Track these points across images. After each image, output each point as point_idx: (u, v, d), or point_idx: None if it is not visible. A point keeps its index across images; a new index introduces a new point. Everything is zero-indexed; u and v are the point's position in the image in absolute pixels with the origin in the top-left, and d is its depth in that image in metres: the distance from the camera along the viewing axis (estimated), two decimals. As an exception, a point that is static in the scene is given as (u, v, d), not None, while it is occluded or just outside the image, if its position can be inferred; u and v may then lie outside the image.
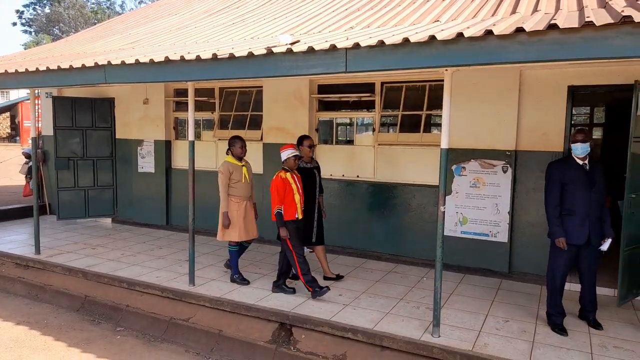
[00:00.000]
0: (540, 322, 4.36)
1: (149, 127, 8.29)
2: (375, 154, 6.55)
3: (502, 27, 3.49)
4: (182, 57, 4.54)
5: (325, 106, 7.07)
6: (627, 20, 2.99)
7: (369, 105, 6.65)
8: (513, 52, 3.32)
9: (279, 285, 5.04)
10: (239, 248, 5.35)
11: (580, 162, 4.12)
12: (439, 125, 6.11)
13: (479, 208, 5.75)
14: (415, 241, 6.22)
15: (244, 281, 5.27)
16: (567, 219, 4.11)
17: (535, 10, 4.64)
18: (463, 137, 5.87)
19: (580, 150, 4.09)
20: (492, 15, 4.84)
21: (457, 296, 5.02)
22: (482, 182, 5.76)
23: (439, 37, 3.48)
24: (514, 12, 4.76)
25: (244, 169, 5.22)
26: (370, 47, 3.75)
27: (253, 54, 4.21)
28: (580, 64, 5.13)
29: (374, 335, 4.09)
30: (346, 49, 3.84)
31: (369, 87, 6.56)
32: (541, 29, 3.18)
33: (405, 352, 3.95)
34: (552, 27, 3.17)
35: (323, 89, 6.88)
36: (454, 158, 5.91)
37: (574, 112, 11.08)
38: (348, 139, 7.30)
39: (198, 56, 4.46)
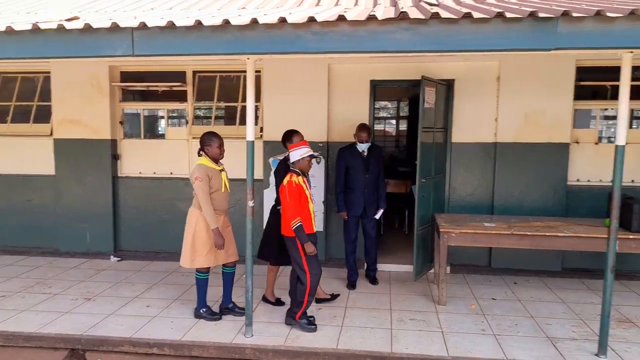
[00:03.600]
0: (349, 306, 4.55)
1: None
2: (190, 148, 6.14)
3: (297, 16, 3.45)
4: None
5: (132, 96, 6.37)
6: (404, 16, 3.19)
7: (181, 96, 6.19)
8: (308, 42, 3.28)
9: (298, 317, 4.01)
10: (207, 276, 4.26)
11: (361, 150, 4.93)
12: (258, 117, 5.98)
13: (296, 199, 5.80)
14: (235, 238, 6.00)
15: (214, 316, 4.24)
16: (349, 195, 4.94)
17: (356, 3, 4.79)
18: (279, 129, 5.79)
19: (363, 147, 4.91)
20: (317, 5, 4.84)
21: (275, 290, 4.96)
22: (298, 173, 5.81)
23: (234, 22, 3.28)
24: (337, 4, 4.84)
25: (224, 174, 4.16)
26: (160, 28, 3.36)
27: (13, 29, 3.45)
28: (379, 60, 5.52)
29: (182, 346, 3.76)
30: (132, 29, 3.38)
31: (180, 76, 6.10)
32: (332, 20, 3.21)
33: (217, 359, 3.72)
34: (342, 19, 3.22)
35: (127, 76, 6.18)
36: (271, 150, 5.86)
37: (389, 105, 12.32)
38: (159, 132, 6.71)
39: None
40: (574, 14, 3.01)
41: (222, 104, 6.26)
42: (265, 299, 4.64)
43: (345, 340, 3.84)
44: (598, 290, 4.83)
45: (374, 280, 5.18)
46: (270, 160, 5.85)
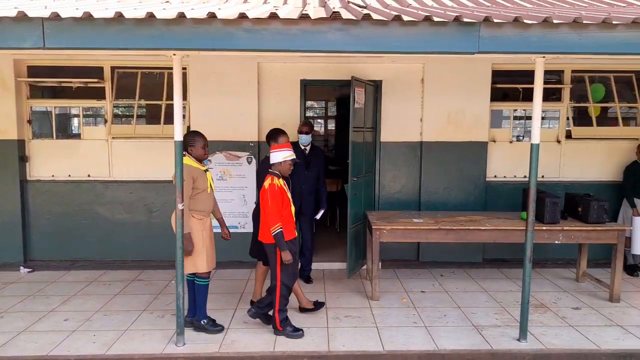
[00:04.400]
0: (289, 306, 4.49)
1: None
2: (110, 149, 5.75)
3: (227, 12, 3.34)
4: None
5: (41, 93, 5.84)
6: (337, 16, 3.19)
7: (98, 93, 5.76)
8: (238, 39, 3.19)
9: (279, 327, 3.90)
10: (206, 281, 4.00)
11: (302, 148, 4.91)
12: (185, 116, 5.72)
13: (227, 200, 5.64)
14: (162, 242, 5.71)
15: (216, 327, 3.96)
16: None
17: (285, 2, 4.70)
18: (207, 128, 5.57)
19: (304, 139, 4.87)
20: (245, 2, 4.68)
21: (208, 295, 4.78)
22: (229, 174, 5.66)
23: (159, 15, 3.10)
24: (266, 2, 4.71)
25: (209, 174, 3.97)
26: (75, 19, 3.09)
27: None
28: (309, 59, 5.52)
29: (107, 362, 3.50)
30: (43, 19, 3.07)
31: (97, 72, 5.68)
32: (264, 17, 3.14)
33: (146, 372, 3.51)
34: (274, 16, 3.16)
35: (35, 71, 5.65)
36: (198, 150, 5.65)
37: (316, 105, 12.39)
38: (74, 132, 6.22)
39: None
40: (495, 20, 3.19)
41: (144, 102, 5.93)
42: (302, 309, 4.38)
43: (282, 342, 3.78)
44: (516, 279, 5.21)
45: (308, 280, 5.17)
46: (199, 160, 5.63)
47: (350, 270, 5.20)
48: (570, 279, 5.34)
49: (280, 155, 3.82)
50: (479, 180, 5.83)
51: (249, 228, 5.68)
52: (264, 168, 4.18)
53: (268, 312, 3.98)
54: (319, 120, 12.52)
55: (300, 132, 4.91)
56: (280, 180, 3.82)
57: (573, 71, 5.94)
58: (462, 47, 3.27)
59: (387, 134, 5.82)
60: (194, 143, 3.88)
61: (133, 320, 4.16)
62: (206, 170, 3.95)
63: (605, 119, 6.32)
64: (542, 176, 5.85)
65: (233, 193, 5.65)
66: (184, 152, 3.82)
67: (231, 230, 5.72)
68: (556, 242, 4.63)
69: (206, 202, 3.91)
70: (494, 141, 5.95)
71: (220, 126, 5.64)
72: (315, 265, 5.53)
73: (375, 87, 5.67)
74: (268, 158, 4.02)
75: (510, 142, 5.99)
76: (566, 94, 5.94)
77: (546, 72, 6.04)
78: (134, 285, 5.04)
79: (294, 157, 3.87)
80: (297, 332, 3.89)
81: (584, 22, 3.21)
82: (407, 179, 5.89)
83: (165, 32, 3.14)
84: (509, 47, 3.29)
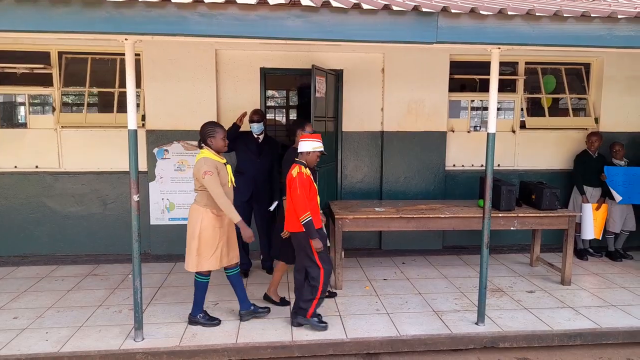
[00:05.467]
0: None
1: None
2: (59, 138, 5.47)
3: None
4: None
5: (-18, 79, 5.49)
6: (296, 2, 3.13)
7: (45, 80, 5.46)
8: (194, 24, 3.08)
9: (310, 315, 3.81)
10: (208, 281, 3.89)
11: (256, 136, 4.85)
12: (139, 105, 5.50)
13: (186, 192, 5.51)
14: (118, 235, 5.54)
15: (212, 321, 3.89)
16: (238, 178, 4.47)
17: None
18: (164, 117, 5.49)
19: (255, 128, 4.82)
20: None
21: (168, 288, 4.68)
22: (187, 164, 5.52)
23: (109, -3, 2.95)
24: None
25: (229, 167, 3.76)
26: (17, 0, 2.90)
27: None
28: (269, 47, 5.42)
29: (61, 359, 3.36)
30: (-20, -2, 2.87)
31: (43, 57, 5.38)
32: (220, 2, 3.04)
33: (102, 370, 3.39)
34: (231, 1, 3.06)
35: (-26, 56, 5.30)
36: (155, 140, 5.48)
37: (277, 94, 12.25)
38: (20, 121, 5.88)
39: None
40: (453, 10, 3.22)
41: (96, 90, 5.67)
42: (267, 298, 4.35)
43: (245, 334, 3.74)
44: (474, 265, 5.36)
45: (270, 270, 5.12)
46: (155, 150, 5.46)
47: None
48: (525, 263, 5.55)
49: (310, 145, 3.73)
50: (438, 169, 5.94)
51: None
52: (291, 157, 4.05)
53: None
54: (281, 110, 12.42)
55: (251, 120, 4.82)
56: (307, 169, 3.74)
57: (527, 63, 6.12)
58: (420, 37, 3.29)
59: (349, 124, 5.82)
60: (213, 134, 3.70)
61: (88, 317, 4.00)
62: (226, 164, 3.77)
63: (557, 110, 6.57)
64: (498, 165, 6.02)
65: (191, 184, 5.46)
66: (200, 145, 3.73)
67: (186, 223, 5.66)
68: (512, 228, 4.78)
69: (228, 196, 3.70)
70: (453, 131, 6.07)
71: (177, 115, 5.48)
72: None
73: (336, 77, 5.64)
74: (294, 149, 4.03)
75: (468, 132, 6.13)
76: (520, 85, 6.12)
77: (502, 64, 6.21)
78: (88, 280, 4.85)
79: (322, 148, 3.80)
80: (321, 324, 3.83)
81: (537, 14, 3.30)
82: (369, 169, 5.93)
83: (116, 15, 2.99)
84: (466, 38, 3.34)
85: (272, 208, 4.90)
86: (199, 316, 3.89)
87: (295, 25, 3.15)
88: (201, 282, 3.85)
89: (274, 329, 3.83)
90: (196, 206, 3.70)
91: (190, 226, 3.70)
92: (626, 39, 3.46)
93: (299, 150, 3.79)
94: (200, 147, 3.75)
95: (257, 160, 4.83)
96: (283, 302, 4.33)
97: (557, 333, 3.86)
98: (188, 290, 4.60)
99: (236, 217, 3.63)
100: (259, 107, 5.54)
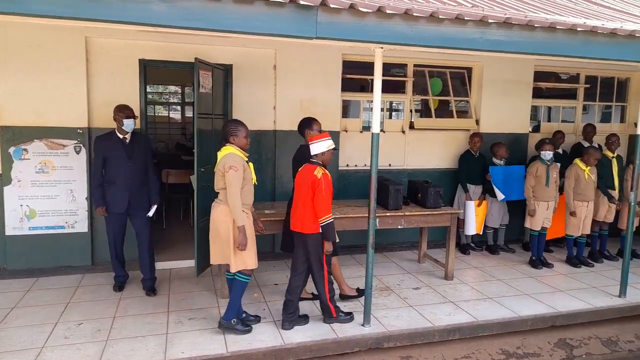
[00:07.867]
0: (119, 315, 3.99)
1: None
2: None
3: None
4: None
5: None
6: (160, -15, 2.81)
7: None
8: (35, 3, 2.64)
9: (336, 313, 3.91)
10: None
11: (121, 137, 4.31)
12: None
13: (51, 197, 4.86)
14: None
15: (245, 327, 3.77)
16: (109, 189, 4.30)
17: None
18: (22, 112, 4.79)
19: (129, 125, 4.30)
20: None
21: (22, 309, 4.06)
22: (52, 165, 4.87)
23: None
24: None
25: (251, 165, 3.73)
26: None
27: None
28: (148, 36, 4.96)
29: None
30: None
31: None
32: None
33: None
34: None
35: None
36: (11, 138, 4.78)
37: (166, 90, 11.56)
38: None
39: None
40: (331, 5, 3.10)
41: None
42: (346, 297, 4.39)
43: (109, 357, 3.33)
44: (364, 264, 5.36)
45: (151, 291, 4.47)
46: (12, 150, 4.75)
47: (198, 268, 4.84)
48: (413, 260, 5.69)
49: (324, 145, 3.72)
50: (332, 170, 5.82)
51: (79, 228, 5.01)
52: (300, 157, 3.99)
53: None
54: (177, 107, 11.75)
55: (127, 117, 4.28)
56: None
57: (415, 65, 6.29)
58: (299, 31, 3.14)
59: (240, 122, 5.54)
60: (237, 132, 3.67)
61: None
62: (249, 162, 3.73)
63: (445, 112, 6.86)
64: (389, 164, 6.12)
65: (58, 188, 4.87)
66: (224, 142, 3.66)
67: (57, 232, 5.03)
68: (399, 227, 4.85)
69: (249, 194, 3.72)
70: (346, 131, 6.05)
71: (39, 110, 4.82)
72: (162, 265, 5.09)
73: (225, 72, 5.33)
74: (305, 146, 3.96)
75: (361, 131, 6.15)
76: (409, 86, 6.28)
77: (393, 66, 6.38)
78: None
79: (334, 145, 3.80)
80: (348, 316, 3.96)
81: (414, 14, 3.30)
82: (262, 169, 5.70)
83: None
84: (346, 35, 3.25)
85: (151, 214, 4.49)
86: (233, 321, 3.72)
87: (159, 10, 2.84)
88: (244, 281, 3.74)
89: (145, 349, 3.46)
90: (224, 207, 3.60)
91: (223, 226, 3.61)
92: (497, 43, 3.61)
93: (312, 153, 3.74)
94: (223, 144, 3.70)
95: (127, 165, 4.31)
96: (359, 292, 4.41)
97: (438, 329, 3.95)
98: (48, 310, 4.05)
99: (241, 222, 3.55)
100: (138, 103, 5.06)
